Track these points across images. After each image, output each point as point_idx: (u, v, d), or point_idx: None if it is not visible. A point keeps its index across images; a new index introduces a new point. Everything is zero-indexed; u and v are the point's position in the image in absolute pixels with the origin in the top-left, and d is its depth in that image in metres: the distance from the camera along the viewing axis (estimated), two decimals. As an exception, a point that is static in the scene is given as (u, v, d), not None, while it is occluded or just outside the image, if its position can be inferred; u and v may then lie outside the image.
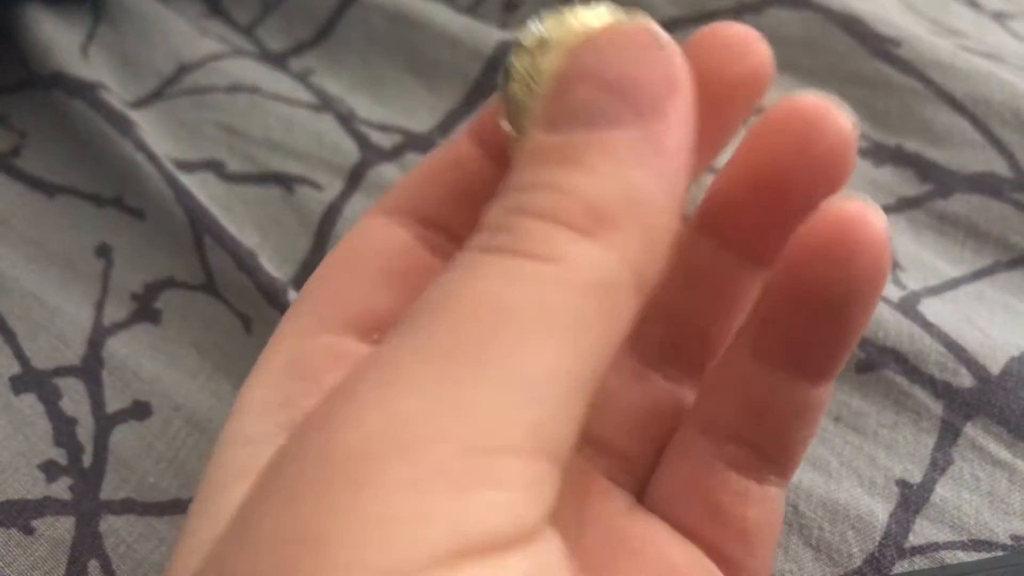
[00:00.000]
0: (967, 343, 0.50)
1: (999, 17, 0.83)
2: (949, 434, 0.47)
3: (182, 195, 0.57)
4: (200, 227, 0.56)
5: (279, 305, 0.52)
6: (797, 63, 0.70)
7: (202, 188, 0.60)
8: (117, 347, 0.52)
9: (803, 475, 0.45)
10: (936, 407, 0.48)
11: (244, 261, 0.54)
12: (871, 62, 0.68)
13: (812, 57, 0.70)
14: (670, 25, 0.70)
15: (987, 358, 0.49)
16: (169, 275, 0.55)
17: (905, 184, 0.62)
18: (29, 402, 0.49)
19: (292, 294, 0.52)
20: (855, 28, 0.69)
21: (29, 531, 0.44)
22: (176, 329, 0.53)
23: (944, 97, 0.65)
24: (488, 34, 0.70)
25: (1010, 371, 0.49)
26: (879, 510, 0.44)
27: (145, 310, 0.53)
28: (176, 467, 0.47)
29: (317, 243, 0.57)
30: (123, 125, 0.62)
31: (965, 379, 0.49)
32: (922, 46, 0.67)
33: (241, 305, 0.53)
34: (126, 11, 0.75)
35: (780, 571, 0.43)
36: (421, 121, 0.65)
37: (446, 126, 0.65)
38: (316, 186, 0.60)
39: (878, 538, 0.43)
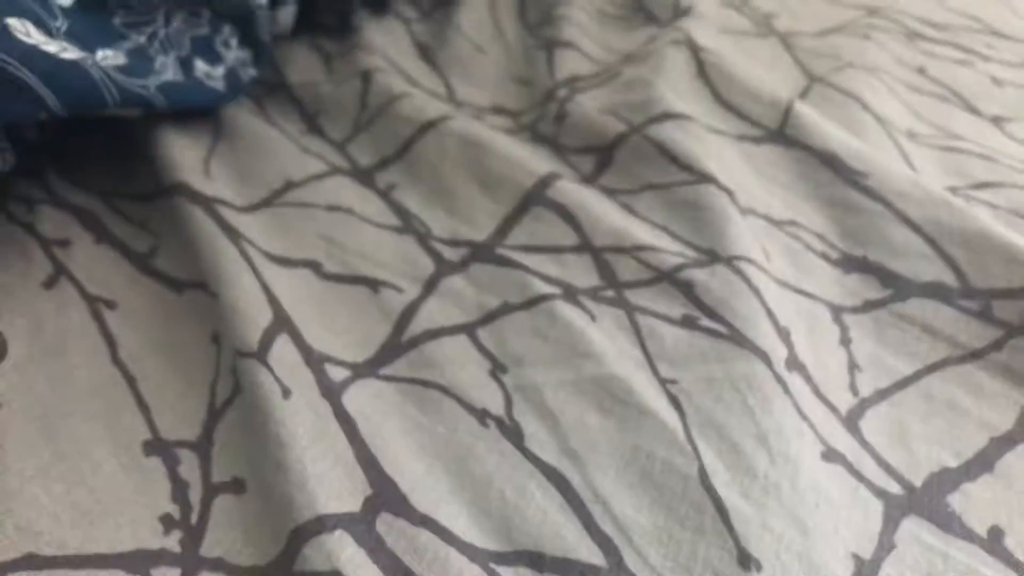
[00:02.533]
0: (894, 462, 0.56)
1: (996, 121, 0.90)
2: (891, 524, 0.52)
3: (273, 302, 0.62)
4: (280, 324, 0.60)
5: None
6: (790, 186, 0.77)
7: (301, 281, 0.67)
8: (224, 429, 0.56)
9: (786, 529, 0.49)
10: (877, 503, 0.53)
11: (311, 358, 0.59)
12: (844, 189, 0.74)
13: (800, 183, 0.77)
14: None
15: (911, 474, 0.55)
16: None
17: (870, 289, 0.68)
18: (155, 463, 0.54)
19: (345, 398, 0.57)
20: (832, 163, 0.76)
21: None
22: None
23: (903, 219, 0.70)
24: (542, 161, 0.77)
25: (931, 484, 0.55)
26: (840, 575, 0.49)
27: (237, 385, 0.58)
28: (260, 539, 0.50)
29: (395, 331, 0.63)
30: (234, 235, 0.67)
31: (895, 487, 0.54)
32: (887, 178, 0.73)
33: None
34: (239, 129, 0.82)
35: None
36: (482, 227, 0.71)
37: (503, 230, 0.71)
38: (398, 289, 0.66)
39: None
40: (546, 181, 0.74)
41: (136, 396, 0.58)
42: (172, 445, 0.55)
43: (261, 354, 0.58)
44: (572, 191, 0.73)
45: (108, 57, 0.68)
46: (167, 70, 0.75)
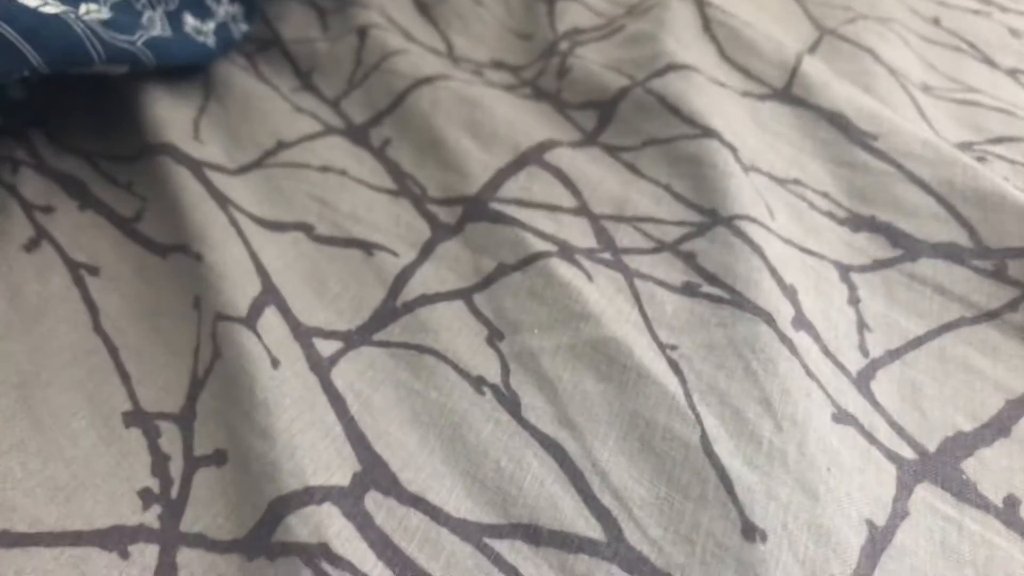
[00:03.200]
0: (906, 424, 0.54)
1: (1013, 73, 0.88)
2: (904, 491, 0.50)
3: (261, 271, 0.61)
4: (268, 295, 0.59)
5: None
6: (795, 144, 0.74)
7: (292, 245, 0.64)
8: (207, 400, 0.54)
9: (793, 497, 0.48)
10: (891, 467, 0.51)
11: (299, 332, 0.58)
12: (852, 149, 0.72)
13: (806, 141, 0.74)
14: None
15: (925, 438, 0.53)
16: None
17: (879, 248, 0.65)
18: (135, 435, 0.52)
19: (335, 373, 0.55)
20: (840, 123, 0.74)
21: (125, 555, 0.47)
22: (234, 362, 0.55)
23: (914, 180, 0.68)
24: (541, 125, 0.75)
25: (945, 449, 0.52)
26: (853, 542, 0.47)
27: (217, 349, 0.56)
28: (241, 512, 0.48)
29: (390, 295, 0.61)
30: (221, 200, 0.66)
31: (908, 452, 0.52)
32: (897, 138, 0.71)
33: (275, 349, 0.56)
34: (230, 87, 0.80)
35: (770, 581, 0.46)
36: (475, 179, 0.69)
37: (495, 182, 0.68)
38: (393, 253, 0.64)
39: (852, 565, 0.46)
40: (544, 145, 0.71)
41: (117, 365, 0.56)
42: (153, 417, 0.53)
43: (249, 321, 0.56)
44: (570, 156, 0.71)
45: (92, 11, 0.66)
46: (155, 25, 0.73)
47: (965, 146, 0.75)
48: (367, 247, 0.64)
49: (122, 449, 0.51)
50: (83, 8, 0.65)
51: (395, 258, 0.63)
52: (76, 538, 0.47)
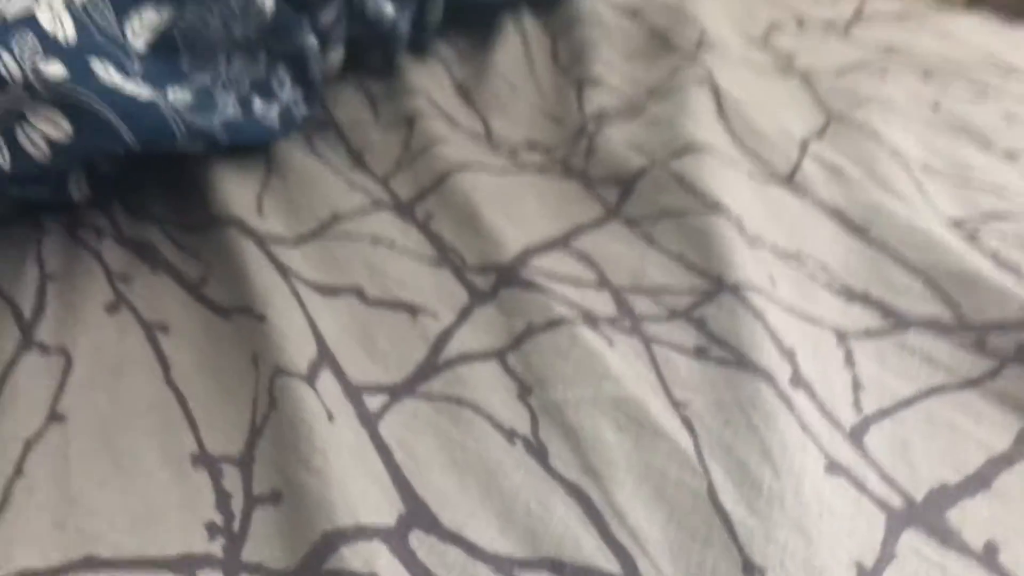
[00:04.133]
0: (895, 476, 0.57)
1: (1009, 155, 0.92)
2: (892, 536, 0.53)
3: (317, 335, 0.65)
4: (323, 358, 0.63)
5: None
6: (795, 223, 0.79)
7: (345, 308, 0.69)
8: (264, 446, 0.58)
9: (789, 538, 0.50)
10: (880, 514, 0.54)
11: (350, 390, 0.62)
12: (847, 238, 0.77)
13: (806, 221, 0.79)
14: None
15: (912, 488, 0.56)
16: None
17: (871, 319, 0.70)
18: (202, 475, 0.56)
19: (382, 425, 0.59)
20: (837, 216, 0.79)
21: None
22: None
23: (904, 263, 0.73)
24: (570, 209, 0.81)
25: (931, 499, 0.55)
26: None
27: (273, 402, 0.59)
28: (293, 545, 0.51)
29: (432, 353, 0.65)
30: (283, 269, 0.71)
31: (896, 501, 0.55)
32: (890, 228, 0.77)
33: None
34: (290, 164, 0.86)
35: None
36: (508, 249, 0.74)
37: (526, 255, 0.73)
38: (435, 316, 0.68)
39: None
40: (569, 236, 0.77)
41: (186, 413, 0.60)
42: (217, 459, 0.57)
43: (309, 379, 0.60)
44: (593, 240, 0.77)
45: (178, 96, 0.72)
46: (228, 108, 0.78)
47: (960, 222, 0.80)
48: (412, 310, 0.69)
49: (190, 487, 0.55)
50: (171, 94, 0.71)
51: (436, 321, 0.68)
52: (152, 564, 0.50)
